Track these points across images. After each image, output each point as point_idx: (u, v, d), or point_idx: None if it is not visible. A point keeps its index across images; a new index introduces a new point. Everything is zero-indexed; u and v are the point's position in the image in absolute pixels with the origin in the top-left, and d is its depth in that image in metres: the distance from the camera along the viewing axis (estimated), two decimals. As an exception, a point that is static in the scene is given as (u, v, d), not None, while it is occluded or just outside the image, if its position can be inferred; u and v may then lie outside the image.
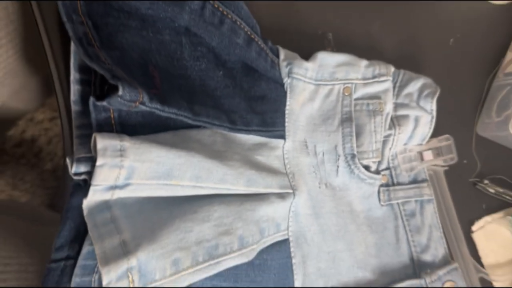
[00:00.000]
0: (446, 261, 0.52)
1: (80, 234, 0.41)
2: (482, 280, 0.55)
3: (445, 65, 0.58)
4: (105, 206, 0.39)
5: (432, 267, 0.51)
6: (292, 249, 0.46)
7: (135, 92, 0.36)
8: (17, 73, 0.68)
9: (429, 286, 0.49)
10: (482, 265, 0.56)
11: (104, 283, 0.36)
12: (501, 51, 0.60)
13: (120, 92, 0.35)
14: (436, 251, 0.52)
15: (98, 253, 0.37)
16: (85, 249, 0.40)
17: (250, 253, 0.43)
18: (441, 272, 0.50)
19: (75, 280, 0.39)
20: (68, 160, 0.39)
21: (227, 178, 0.42)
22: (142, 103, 0.37)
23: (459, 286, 0.51)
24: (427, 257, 0.51)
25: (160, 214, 0.40)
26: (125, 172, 0.38)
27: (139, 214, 0.40)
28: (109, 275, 0.36)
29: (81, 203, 0.39)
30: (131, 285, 0.36)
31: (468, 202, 0.58)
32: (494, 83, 0.59)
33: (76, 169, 0.39)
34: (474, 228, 0.57)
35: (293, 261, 0.46)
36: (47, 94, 0.94)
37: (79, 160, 0.39)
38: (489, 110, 0.59)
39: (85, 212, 0.38)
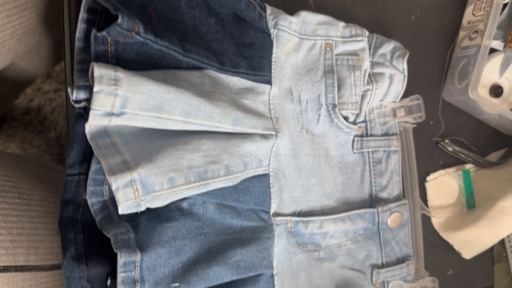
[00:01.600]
0: (398, 198, 0.56)
1: (87, 156, 0.43)
2: (423, 216, 0.60)
3: (410, 37, 0.61)
4: (105, 133, 0.41)
5: (386, 202, 0.55)
6: (271, 181, 0.49)
7: (132, 22, 0.38)
8: (34, 32, 0.70)
9: (379, 213, 0.53)
10: (427, 206, 0.62)
11: (113, 189, 0.38)
12: (456, 28, 0.63)
13: (119, 21, 0.37)
14: (392, 191, 0.56)
15: (105, 167, 0.39)
16: (93, 166, 0.42)
17: (234, 179, 0.45)
18: (392, 205, 0.54)
19: (89, 189, 0.42)
20: (69, 89, 0.41)
21: (215, 116, 0.44)
22: (138, 33, 0.39)
23: (405, 217, 0.55)
24: (384, 194, 0.55)
25: (155, 144, 0.43)
26: (119, 100, 0.39)
27: (135, 143, 0.42)
28: (116, 183, 0.38)
29: (84, 129, 0.41)
30: (136, 193, 0.39)
31: (428, 157, 0.61)
32: (454, 55, 0.62)
33: (77, 95, 0.40)
34: (428, 178, 0.61)
35: (271, 190, 0.49)
36: (55, 61, 0.96)
37: (79, 88, 0.40)
38: (452, 78, 0.62)
39: (88, 137, 0.40)
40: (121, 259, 0.38)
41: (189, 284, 0.42)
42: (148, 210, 0.43)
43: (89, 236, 0.42)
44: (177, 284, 0.41)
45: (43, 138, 1.24)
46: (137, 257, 0.39)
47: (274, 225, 0.49)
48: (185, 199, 0.44)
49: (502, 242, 0.65)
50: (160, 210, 0.43)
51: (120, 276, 0.38)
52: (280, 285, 0.49)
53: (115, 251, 0.39)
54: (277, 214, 0.50)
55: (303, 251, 0.51)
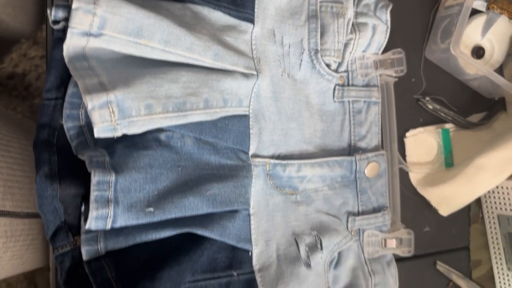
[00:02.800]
0: (376, 149, 0.56)
1: (64, 81, 0.43)
2: (401, 170, 0.60)
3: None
4: (82, 56, 0.41)
5: (364, 151, 0.55)
6: (251, 123, 0.49)
7: None
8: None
9: (357, 161, 0.54)
10: (405, 162, 0.62)
11: (89, 109, 0.38)
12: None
13: None
14: (371, 141, 0.56)
15: (81, 87, 0.39)
16: (70, 90, 0.42)
17: (213, 114, 0.45)
18: (370, 154, 0.55)
19: (66, 112, 0.41)
20: (48, 11, 0.40)
21: (195, 48, 0.44)
22: None
23: (382, 168, 0.56)
24: (362, 144, 0.56)
25: (133, 71, 0.42)
26: (97, 20, 0.39)
27: (113, 68, 0.42)
28: (92, 102, 0.38)
29: (62, 55, 0.41)
30: (112, 116, 0.39)
31: (408, 114, 0.62)
32: (437, 15, 0.63)
33: (55, 13, 0.40)
34: (407, 134, 0.62)
35: (251, 131, 0.49)
36: (41, 20, 0.95)
37: (58, 6, 0.40)
38: (435, 37, 0.62)
39: (66, 59, 0.40)
40: (95, 178, 0.38)
41: (164, 211, 0.42)
42: (125, 138, 0.43)
43: (64, 159, 0.41)
44: (151, 209, 0.41)
45: (28, 105, 1.22)
46: (112, 177, 0.39)
47: (252, 166, 0.49)
48: (163, 131, 0.44)
49: (479, 203, 0.66)
50: (137, 139, 0.43)
51: (94, 194, 0.38)
52: (256, 224, 0.49)
53: (89, 170, 0.39)
54: (255, 156, 0.50)
55: (280, 194, 0.51)
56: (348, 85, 0.55)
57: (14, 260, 0.68)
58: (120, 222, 0.40)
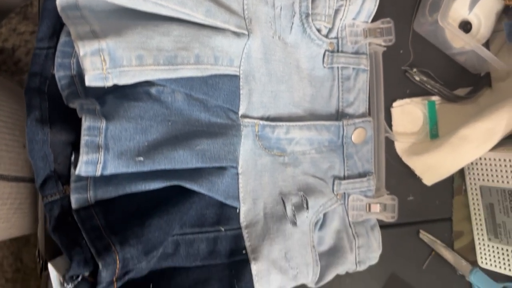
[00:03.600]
0: (364, 115, 0.58)
1: (57, 31, 0.43)
2: (387, 139, 0.61)
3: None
4: (75, 6, 0.41)
5: (352, 117, 0.57)
6: (241, 83, 0.49)
7: None
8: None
9: (344, 126, 0.55)
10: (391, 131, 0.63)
11: (80, 55, 0.38)
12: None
13: None
14: (358, 108, 0.57)
15: (73, 34, 0.39)
16: (62, 39, 0.42)
17: (204, 70, 0.46)
18: (357, 120, 0.56)
19: (57, 61, 0.42)
20: None
21: (187, 2, 0.44)
22: None
23: (368, 134, 0.57)
24: (350, 110, 0.57)
25: (125, 22, 0.42)
26: None
27: (106, 19, 0.42)
28: (84, 49, 0.38)
29: (55, 4, 0.41)
30: (103, 64, 0.39)
31: (395, 85, 0.63)
32: (426, -12, 0.64)
33: None
34: (394, 104, 0.63)
35: (241, 91, 0.49)
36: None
37: None
38: (423, 10, 0.63)
39: (58, 8, 0.40)
40: (85, 123, 0.39)
41: (153, 161, 0.42)
42: (115, 90, 0.43)
43: (55, 107, 0.42)
44: (141, 158, 0.42)
45: (17, 80, 1.22)
46: (102, 124, 0.40)
47: (241, 126, 0.50)
48: (154, 85, 0.45)
49: (462, 175, 0.67)
50: (127, 91, 0.44)
51: (84, 139, 0.39)
52: (244, 183, 0.50)
53: (80, 116, 0.39)
54: (245, 116, 0.50)
55: (269, 155, 0.52)
56: (338, 51, 0.56)
57: (1, 224, 0.69)
58: (110, 169, 0.40)
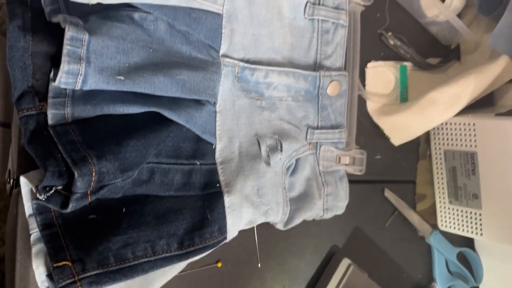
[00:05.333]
0: (340, 69, 0.59)
1: None
2: (359, 97, 0.63)
3: None
4: None
5: (328, 69, 0.58)
6: (224, 23, 0.50)
7: None
8: None
9: (320, 77, 0.57)
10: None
11: None
12: None
13: None
14: (335, 61, 0.59)
15: None
16: None
17: (188, 1, 0.46)
18: (333, 73, 0.58)
19: None
20: None
21: None
22: None
23: (343, 88, 0.58)
24: (327, 62, 0.58)
25: None
26: None
27: None
28: None
29: None
30: None
31: (371, 47, 0.65)
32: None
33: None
34: (369, 65, 0.65)
35: (223, 31, 0.50)
36: None
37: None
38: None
39: None
40: (68, 33, 0.39)
41: (133, 82, 0.42)
42: (99, 11, 0.43)
43: (37, 19, 0.41)
44: (122, 78, 0.42)
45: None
46: (85, 36, 0.40)
47: (222, 65, 0.50)
48: (137, 10, 0.45)
49: (428, 141, 0.70)
50: (110, 13, 0.44)
51: (66, 48, 0.38)
52: (222, 122, 0.50)
53: (63, 26, 0.39)
54: (225, 56, 0.51)
55: (247, 97, 0.53)
56: (319, 4, 0.57)
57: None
58: (90, 84, 0.40)
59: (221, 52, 0.51)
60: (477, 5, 0.65)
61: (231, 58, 0.51)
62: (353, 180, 0.61)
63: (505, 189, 0.61)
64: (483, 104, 0.69)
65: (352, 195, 0.61)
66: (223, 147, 0.50)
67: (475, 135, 0.64)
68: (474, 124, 0.64)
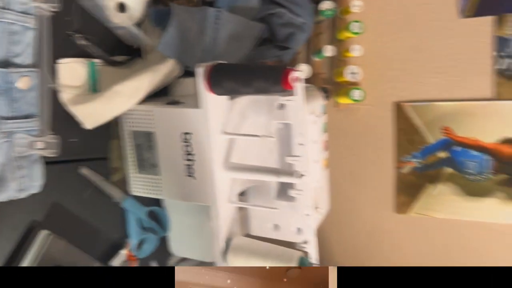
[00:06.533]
0: (30, 66, 0.68)
1: None
2: (52, 88, 0.73)
3: None
4: None
5: (18, 66, 0.66)
6: None
7: None
8: None
9: (9, 73, 0.65)
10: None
11: None
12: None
13: None
14: (26, 59, 0.67)
15: None
16: None
17: None
18: (23, 69, 0.66)
19: None
20: None
21: None
22: None
23: (33, 82, 0.68)
24: (17, 60, 0.66)
25: None
26: None
27: None
28: None
29: None
30: None
31: (62, 46, 0.74)
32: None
33: None
34: (61, 61, 0.75)
35: None
36: None
37: None
38: (89, -13, 0.78)
39: None
40: None
41: None
42: None
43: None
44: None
45: None
46: None
47: None
48: None
49: (117, 123, 0.85)
50: None
51: None
52: None
53: None
54: None
55: None
56: (5, 8, 0.64)
57: None
58: None
59: None
60: (150, 18, 0.83)
61: None
62: (51, 162, 0.71)
63: (173, 159, 0.82)
64: (161, 94, 0.88)
65: (51, 175, 0.71)
66: None
67: (153, 119, 0.82)
68: (152, 111, 0.82)
